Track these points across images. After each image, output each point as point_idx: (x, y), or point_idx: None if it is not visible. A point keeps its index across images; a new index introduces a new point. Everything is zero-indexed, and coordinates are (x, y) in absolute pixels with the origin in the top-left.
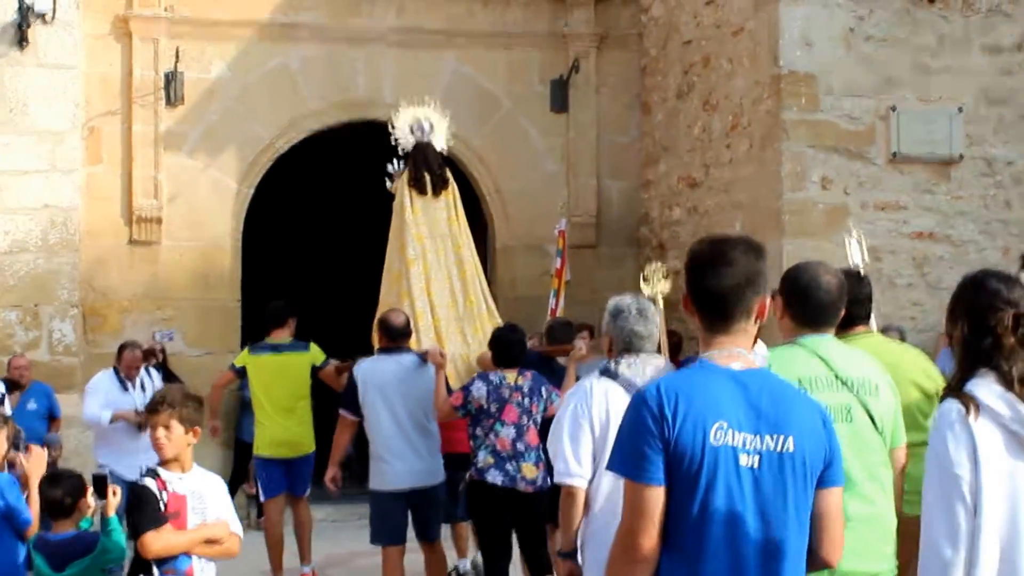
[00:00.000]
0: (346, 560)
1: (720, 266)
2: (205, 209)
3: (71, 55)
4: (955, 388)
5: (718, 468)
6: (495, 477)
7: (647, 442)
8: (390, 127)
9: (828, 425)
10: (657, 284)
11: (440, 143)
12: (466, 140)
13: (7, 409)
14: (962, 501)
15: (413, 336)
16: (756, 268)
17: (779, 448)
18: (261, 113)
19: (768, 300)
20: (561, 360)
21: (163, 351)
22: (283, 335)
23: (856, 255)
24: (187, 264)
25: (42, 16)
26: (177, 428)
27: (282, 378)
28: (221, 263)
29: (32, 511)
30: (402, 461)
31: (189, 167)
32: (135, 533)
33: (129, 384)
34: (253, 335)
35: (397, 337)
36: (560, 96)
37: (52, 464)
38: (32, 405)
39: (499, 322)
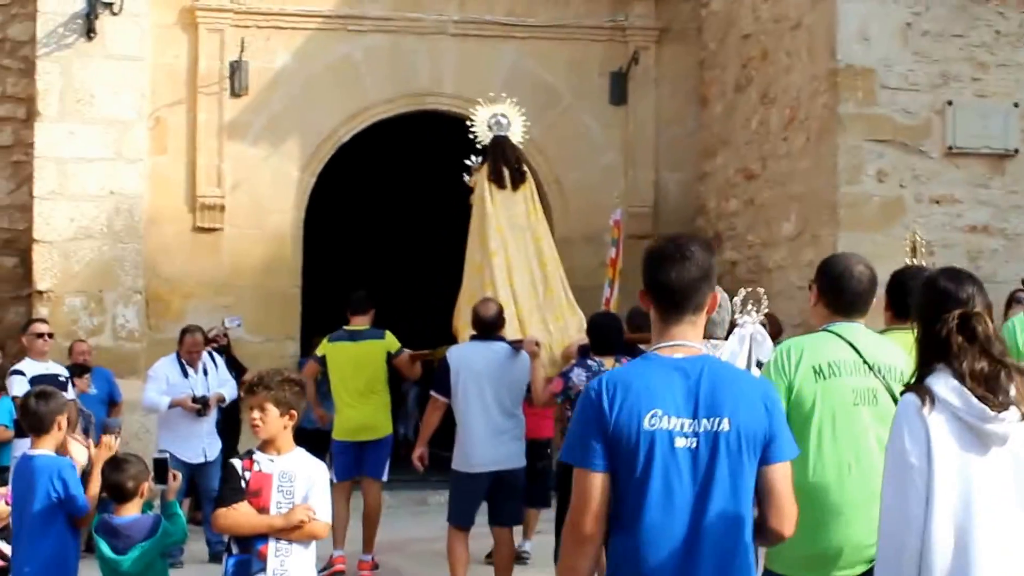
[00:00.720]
0: (402, 546)
1: (680, 261)
2: (267, 197)
3: (138, 46)
4: (914, 383)
5: (654, 451)
6: None
7: (589, 432)
8: (468, 122)
9: (771, 406)
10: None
11: (517, 137)
12: (526, 131)
13: (71, 393)
14: (915, 489)
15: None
16: (711, 264)
17: (715, 428)
18: (324, 103)
19: (719, 294)
20: (644, 347)
21: (226, 337)
22: (362, 322)
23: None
24: (249, 251)
25: (110, 7)
26: (272, 410)
27: (359, 365)
28: (282, 251)
29: (90, 495)
30: (486, 445)
31: (252, 156)
32: (216, 507)
33: (191, 369)
34: (314, 322)
35: (489, 326)
36: (619, 89)
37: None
38: (92, 390)
39: (579, 313)
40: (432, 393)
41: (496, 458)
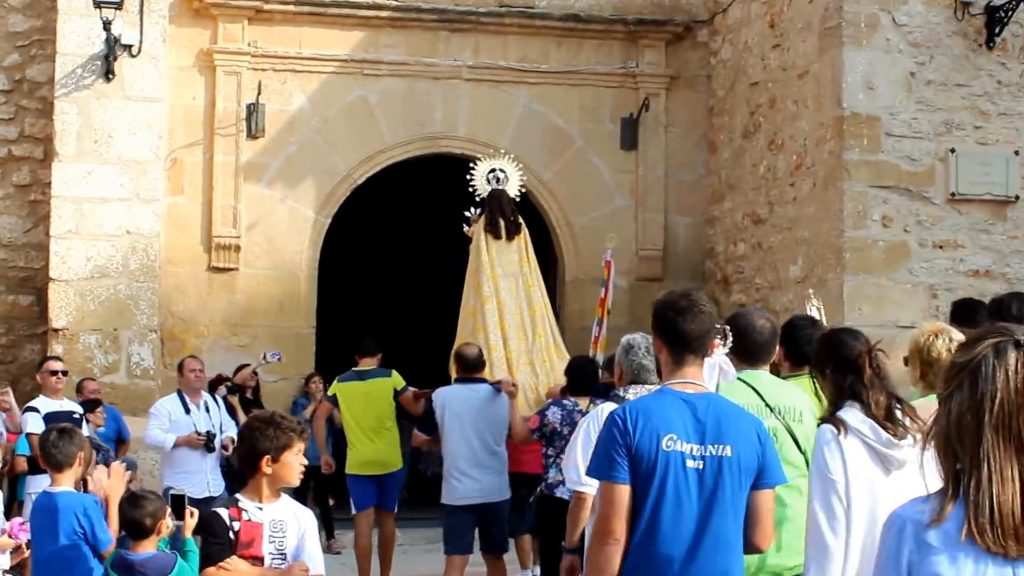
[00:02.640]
0: None
1: (697, 315)
2: (283, 238)
3: (156, 87)
4: (828, 416)
5: (668, 469)
6: (563, 493)
7: (615, 450)
8: (469, 176)
9: (763, 439)
10: None
11: (513, 191)
12: (537, 175)
13: (86, 430)
14: (839, 499)
15: (487, 367)
16: (715, 317)
17: (719, 454)
18: (339, 145)
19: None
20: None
21: (256, 377)
22: (369, 363)
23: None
24: (264, 291)
25: (128, 49)
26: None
27: (369, 402)
28: (297, 290)
29: (111, 529)
30: (472, 479)
31: (268, 197)
32: (203, 564)
33: (193, 406)
34: (328, 362)
35: (472, 368)
36: (630, 134)
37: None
38: (102, 428)
39: (566, 356)
40: (416, 431)
41: (480, 491)
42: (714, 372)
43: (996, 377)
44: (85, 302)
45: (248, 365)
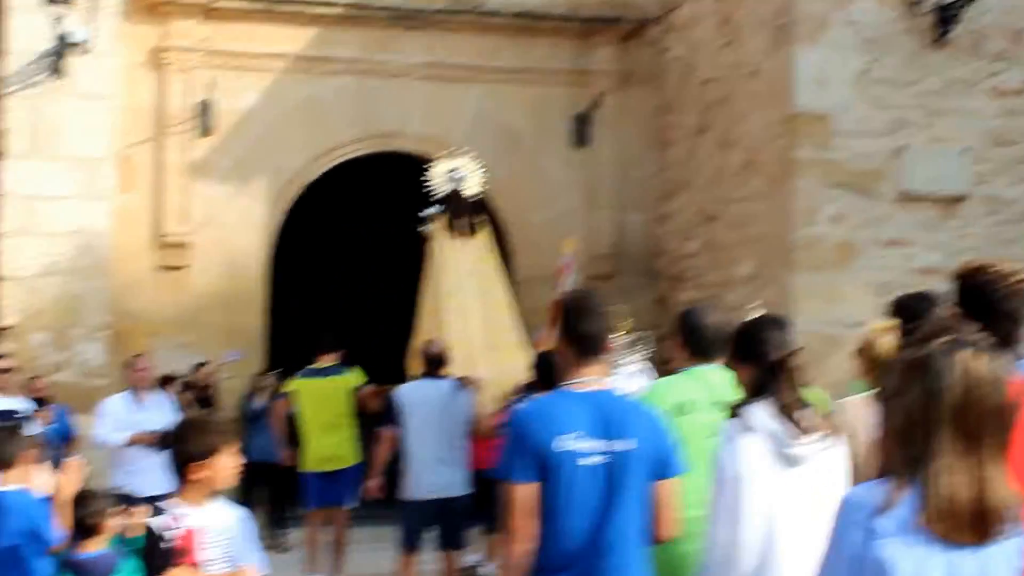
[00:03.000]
0: None
1: (594, 314)
2: (234, 236)
3: (107, 85)
4: (735, 411)
5: (569, 466)
6: None
7: (518, 450)
8: (428, 177)
9: (663, 432)
10: (623, 322)
11: (473, 190)
12: (489, 172)
13: (34, 428)
14: (735, 497)
15: (449, 363)
16: (610, 318)
17: (619, 449)
18: (291, 143)
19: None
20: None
21: (212, 386)
22: (329, 360)
23: None
24: (215, 289)
25: (79, 46)
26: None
27: (327, 398)
28: (248, 288)
29: (60, 527)
30: (433, 474)
31: (219, 194)
32: None
33: (141, 405)
34: (283, 359)
35: (435, 365)
36: (581, 131)
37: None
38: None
39: (529, 352)
40: (383, 428)
41: (441, 485)
42: (633, 379)
43: (947, 375)
44: (35, 300)
45: (208, 363)
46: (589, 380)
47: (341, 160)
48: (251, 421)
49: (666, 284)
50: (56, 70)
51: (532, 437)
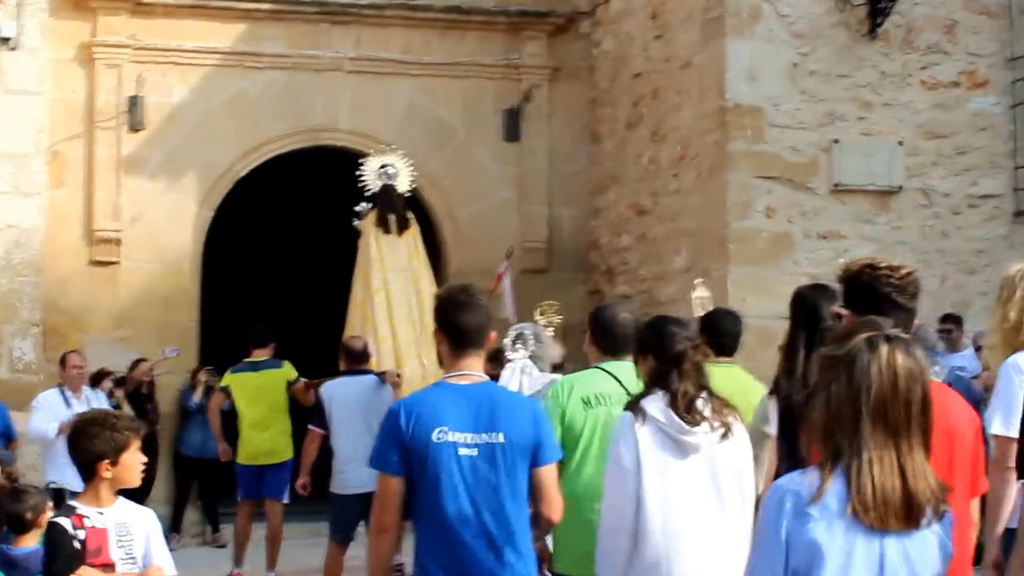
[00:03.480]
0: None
1: (473, 308)
2: (165, 231)
3: (35, 80)
4: (632, 403)
5: (441, 459)
6: None
7: (389, 444)
8: (359, 173)
9: (538, 421)
10: (552, 317)
11: (404, 186)
12: (421, 166)
13: None
14: (626, 486)
15: (375, 358)
16: (489, 311)
17: (492, 441)
18: (221, 138)
19: (495, 333)
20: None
21: (152, 375)
22: (263, 354)
23: (698, 306)
24: (147, 285)
25: (7, 42)
26: None
27: (261, 393)
28: (180, 284)
29: None
30: (359, 469)
31: (150, 190)
32: None
33: (75, 400)
34: (215, 355)
35: (357, 360)
36: (512, 125)
37: (13, 480)
38: None
39: None
40: (309, 426)
41: (367, 480)
42: (515, 375)
43: (870, 370)
44: None
45: (145, 360)
46: (467, 373)
47: (271, 155)
48: (187, 417)
49: (600, 278)
50: None
51: (407, 430)
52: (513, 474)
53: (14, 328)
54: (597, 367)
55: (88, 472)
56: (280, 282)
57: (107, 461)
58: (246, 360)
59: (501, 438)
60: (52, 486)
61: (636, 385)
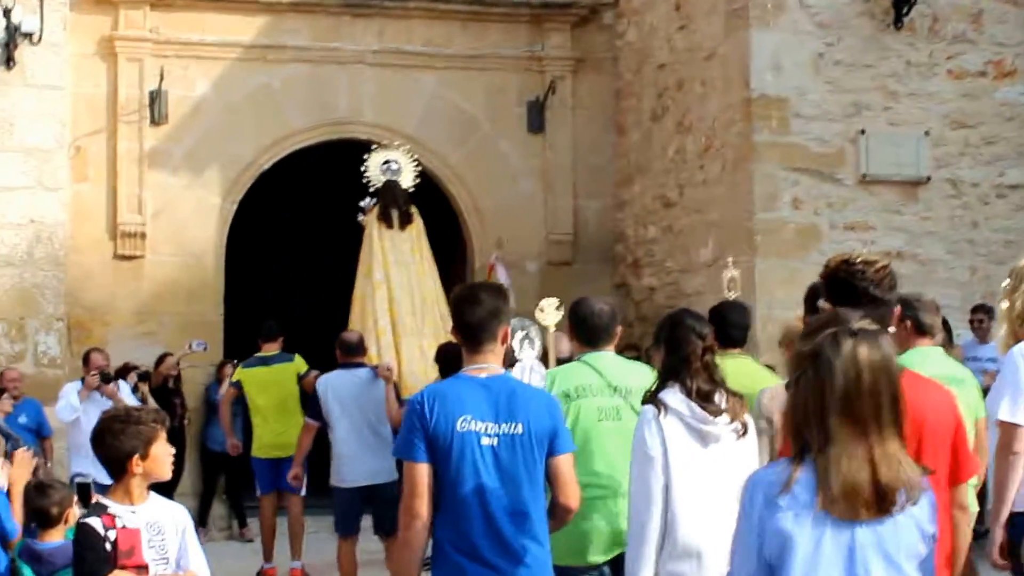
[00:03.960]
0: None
1: (474, 304)
2: (188, 225)
3: (58, 75)
4: (652, 396)
5: (465, 447)
6: None
7: (414, 433)
8: (363, 167)
9: (552, 412)
10: (551, 315)
11: (407, 182)
12: (445, 159)
13: None
14: (655, 475)
15: (376, 350)
16: (498, 305)
17: (512, 431)
18: (244, 131)
19: (508, 329)
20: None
21: (178, 376)
22: (272, 348)
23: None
24: (170, 279)
25: (29, 36)
26: None
27: (272, 387)
28: (204, 277)
29: (16, 518)
30: (358, 461)
31: (173, 184)
32: None
33: (96, 395)
34: (240, 347)
35: (352, 353)
36: (537, 118)
37: (36, 474)
38: (23, 419)
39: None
40: (305, 418)
41: (366, 473)
42: (524, 374)
43: (835, 365)
44: None
45: (170, 355)
46: (484, 366)
47: (294, 149)
48: (213, 411)
49: (626, 270)
50: (7, 60)
51: (431, 419)
52: (531, 463)
53: (38, 322)
54: (579, 359)
55: (118, 469)
56: (302, 276)
57: (137, 456)
58: (256, 355)
59: (520, 428)
60: (78, 480)
61: (618, 375)
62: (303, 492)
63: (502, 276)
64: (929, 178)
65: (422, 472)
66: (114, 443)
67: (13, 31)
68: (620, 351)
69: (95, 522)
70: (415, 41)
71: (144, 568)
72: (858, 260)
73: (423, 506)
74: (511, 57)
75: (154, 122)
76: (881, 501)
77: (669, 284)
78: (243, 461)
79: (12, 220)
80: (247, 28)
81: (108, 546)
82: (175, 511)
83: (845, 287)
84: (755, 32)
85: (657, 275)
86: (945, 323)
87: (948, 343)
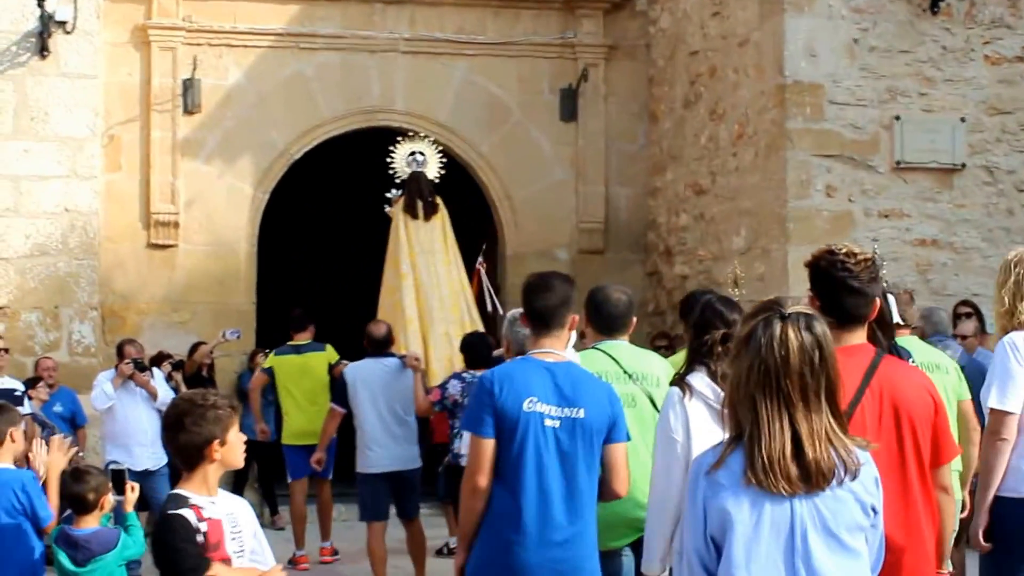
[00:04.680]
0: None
1: (546, 292)
2: (221, 214)
3: (91, 64)
4: (677, 380)
5: (529, 427)
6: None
7: (483, 408)
8: (388, 158)
9: (612, 401)
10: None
11: (432, 173)
12: (476, 147)
13: (27, 408)
14: (676, 457)
15: (403, 340)
16: (568, 293)
17: (573, 415)
18: (276, 120)
19: (576, 316)
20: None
21: (212, 364)
22: (304, 337)
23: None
24: (203, 268)
25: (63, 25)
26: None
27: (304, 375)
28: (237, 266)
29: (51, 504)
30: (383, 448)
31: (206, 173)
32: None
33: (130, 383)
34: (268, 336)
35: (379, 345)
36: (569, 105)
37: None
38: (58, 408)
39: (481, 329)
40: (331, 405)
41: (392, 460)
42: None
43: (764, 346)
44: (25, 280)
45: (204, 343)
46: (548, 351)
47: (326, 137)
48: (245, 400)
49: (658, 258)
50: (40, 50)
51: (499, 396)
52: (589, 448)
53: (72, 311)
54: (594, 347)
55: (195, 458)
56: (334, 264)
57: (216, 441)
58: (289, 343)
59: (582, 414)
60: (112, 467)
61: (634, 363)
62: (330, 475)
63: (485, 282)
64: (964, 165)
65: (488, 447)
66: (194, 427)
67: (47, 20)
68: (652, 340)
69: (188, 513)
70: (447, 28)
71: (227, 562)
72: (841, 251)
73: (484, 479)
74: (543, 44)
75: (187, 111)
76: (812, 476)
77: (701, 272)
78: (275, 450)
79: (46, 209)
80: (280, 16)
81: (200, 539)
82: (242, 505)
83: (825, 277)
84: (789, 18)
85: (689, 263)
86: (978, 312)
87: (982, 332)
